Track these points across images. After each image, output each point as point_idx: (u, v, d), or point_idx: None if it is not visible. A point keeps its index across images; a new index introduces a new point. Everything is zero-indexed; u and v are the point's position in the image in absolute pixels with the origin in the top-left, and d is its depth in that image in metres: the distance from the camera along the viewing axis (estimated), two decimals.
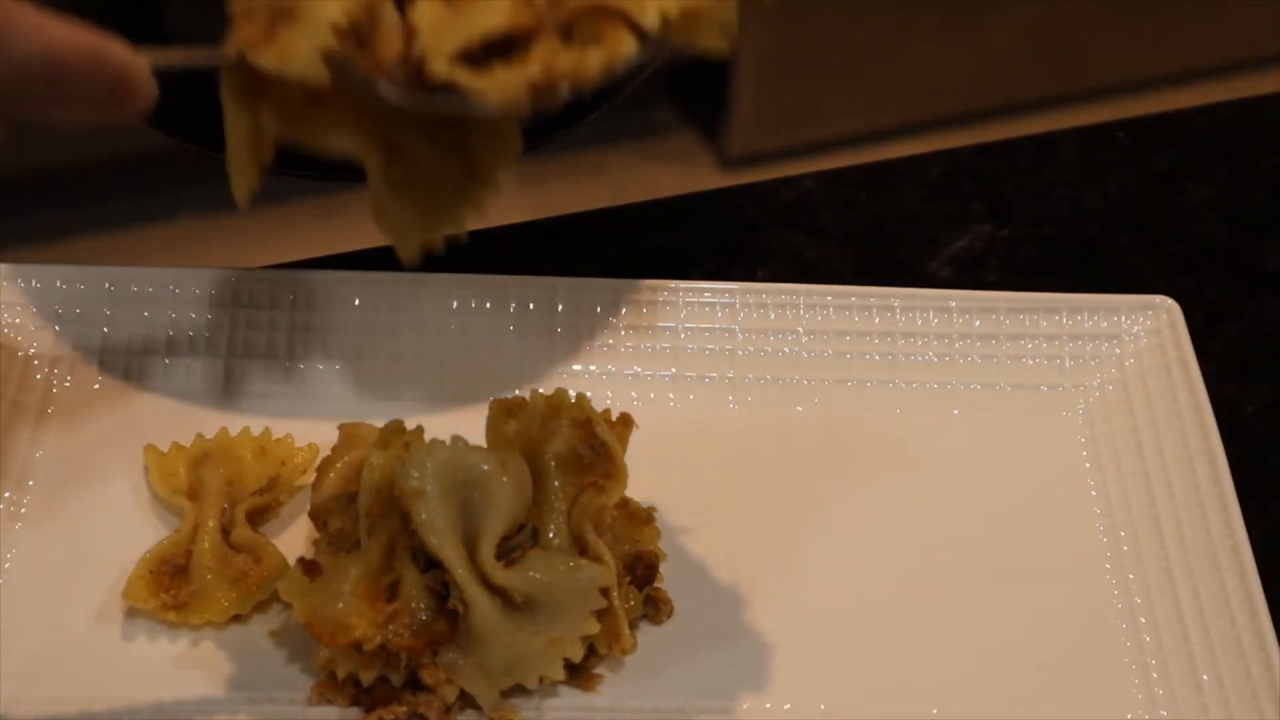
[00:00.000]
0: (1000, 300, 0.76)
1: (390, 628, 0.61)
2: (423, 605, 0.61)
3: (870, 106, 1.80)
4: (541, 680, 0.62)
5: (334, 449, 0.67)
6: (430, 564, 0.62)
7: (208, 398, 0.71)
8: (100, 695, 0.62)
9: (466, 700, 0.62)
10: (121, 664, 0.63)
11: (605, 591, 0.63)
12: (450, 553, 0.61)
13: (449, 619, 0.61)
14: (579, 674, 0.63)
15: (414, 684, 0.62)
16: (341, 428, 0.67)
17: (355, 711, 0.62)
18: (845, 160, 0.89)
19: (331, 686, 0.62)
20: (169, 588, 0.65)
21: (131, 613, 0.65)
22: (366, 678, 0.61)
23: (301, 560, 0.62)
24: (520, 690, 0.62)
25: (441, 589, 0.62)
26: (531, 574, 0.62)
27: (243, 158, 0.61)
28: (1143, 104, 1.81)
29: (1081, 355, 0.75)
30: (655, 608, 0.66)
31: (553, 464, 0.64)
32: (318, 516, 0.65)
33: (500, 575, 0.61)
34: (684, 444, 0.72)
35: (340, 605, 0.61)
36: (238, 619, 0.65)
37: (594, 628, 0.62)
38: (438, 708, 0.61)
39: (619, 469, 0.65)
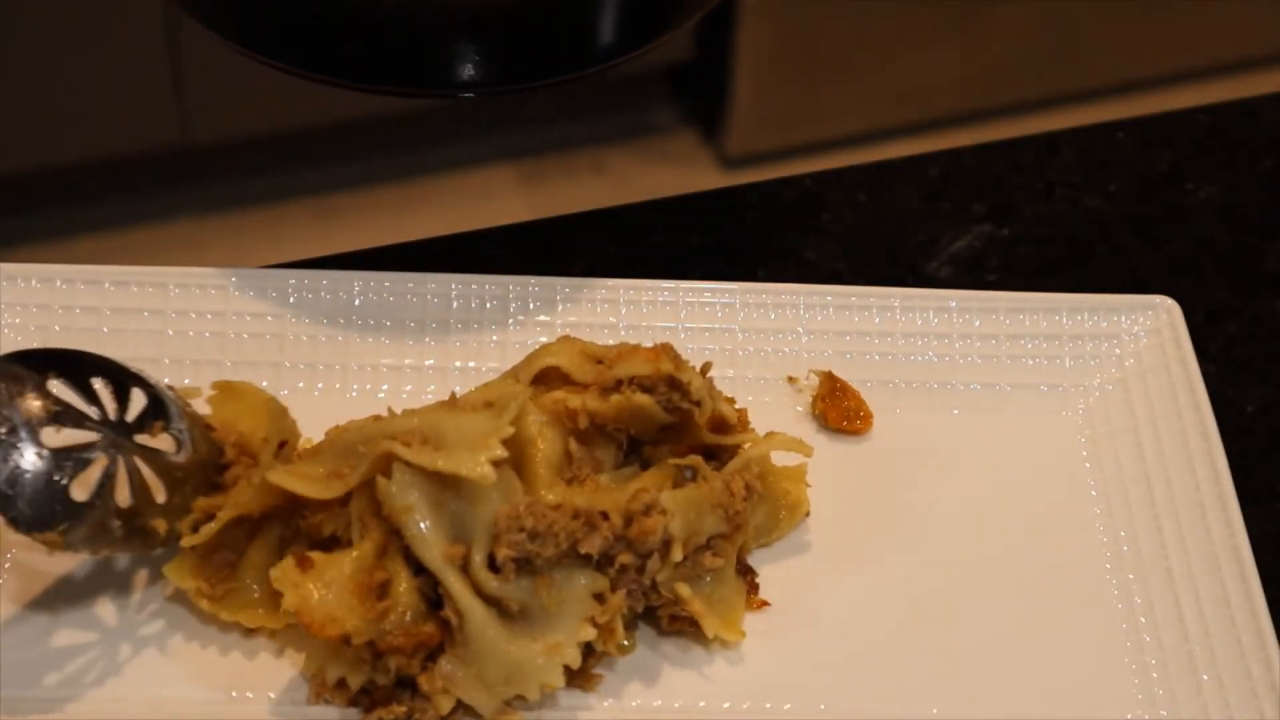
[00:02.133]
0: (1000, 300, 0.76)
1: (379, 626, 0.60)
2: (412, 607, 0.61)
3: (870, 106, 1.80)
4: (543, 690, 0.62)
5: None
6: (423, 568, 0.61)
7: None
8: (99, 695, 0.62)
9: (464, 706, 0.62)
10: (121, 663, 0.63)
11: (599, 596, 0.63)
12: (442, 564, 0.61)
13: (438, 623, 0.61)
14: (579, 674, 0.63)
15: (412, 689, 0.62)
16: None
17: (354, 712, 0.62)
18: (845, 160, 0.89)
19: (329, 687, 0.62)
20: (213, 575, 0.64)
21: (130, 610, 0.65)
22: (354, 681, 0.61)
23: (294, 552, 0.62)
24: (520, 696, 0.62)
25: (433, 594, 0.61)
26: (525, 582, 0.62)
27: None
28: (1143, 104, 1.81)
29: (1081, 355, 0.75)
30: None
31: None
32: (312, 522, 0.65)
33: (494, 585, 0.61)
34: None
35: (332, 598, 0.60)
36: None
37: (590, 634, 0.62)
38: (432, 716, 0.61)
39: None
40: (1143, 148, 0.89)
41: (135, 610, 0.65)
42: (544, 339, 0.73)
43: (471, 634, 0.61)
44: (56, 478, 0.62)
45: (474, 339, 0.74)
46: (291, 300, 0.74)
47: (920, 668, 0.65)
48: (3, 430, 0.61)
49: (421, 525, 0.61)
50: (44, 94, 1.56)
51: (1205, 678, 0.64)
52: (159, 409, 0.66)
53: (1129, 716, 0.64)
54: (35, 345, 0.72)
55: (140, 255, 1.64)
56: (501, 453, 0.61)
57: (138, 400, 0.66)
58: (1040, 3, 1.77)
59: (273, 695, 0.63)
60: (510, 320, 0.75)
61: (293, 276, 0.75)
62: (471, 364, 0.74)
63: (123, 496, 0.64)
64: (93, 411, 0.64)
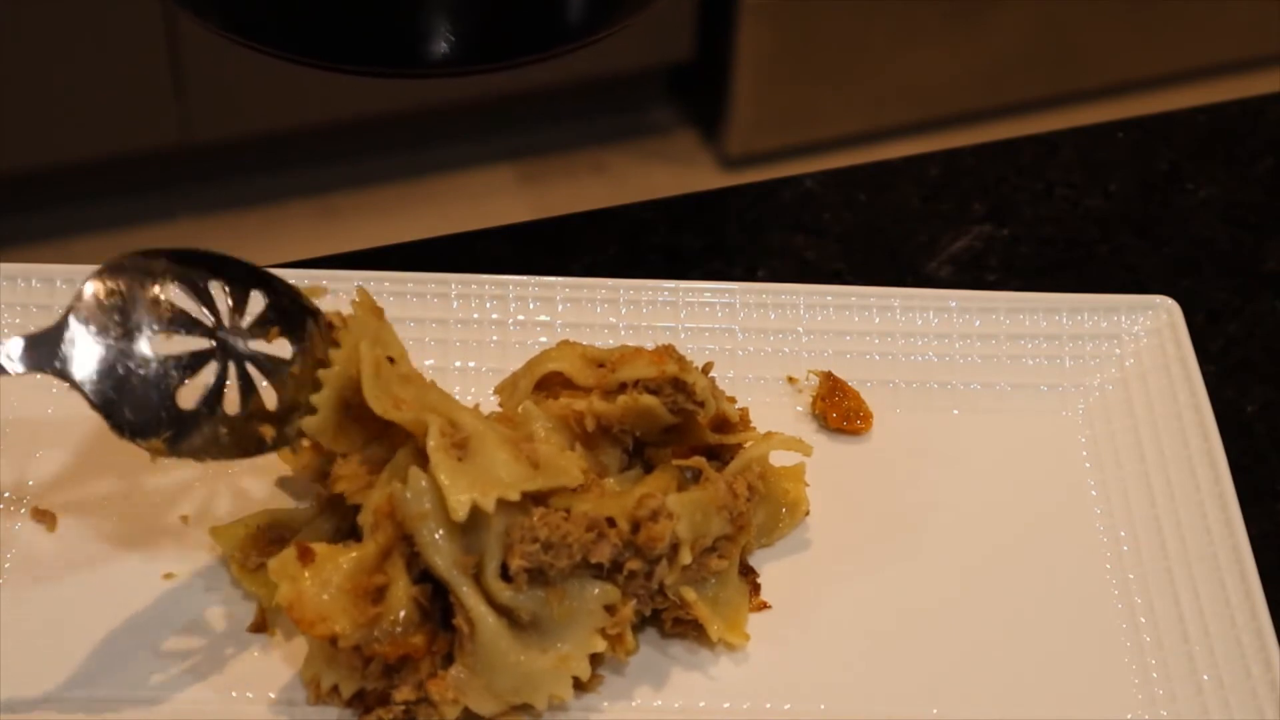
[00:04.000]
0: (1000, 300, 0.76)
1: (369, 631, 0.60)
2: (405, 616, 0.61)
3: (870, 106, 1.80)
4: (551, 701, 0.61)
5: None
6: (423, 576, 0.61)
7: None
8: (100, 695, 0.62)
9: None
10: (121, 664, 0.63)
11: (610, 608, 0.63)
12: (455, 573, 0.60)
13: (428, 636, 0.61)
14: None
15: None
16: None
17: (352, 713, 0.62)
18: (845, 160, 0.89)
19: (324, 691, 0.62)
20: (255, 550, 0.65)
21: (130, 610, 0.65)
22: (345, 689, 0.61)
23: (298, 544, 0.61)
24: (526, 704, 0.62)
25: (429, 604, 0.61)
26: (537, 593, 0.61)
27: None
28: (1143, 104, 1.81)
29: (1081, 355, 0.75)
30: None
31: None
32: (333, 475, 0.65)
33: (506, 595, 0.61)
34: None
35: (326, 597, 0.60)
36: (237, 621, 0.65)
37: (600, 645, 0.62)
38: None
39: None
40: (1143, 148, 0.89)
41: (135, 610, 0.65)
42: (544, 339, 0.73)
43: (483, 643, 0.60)
44: (164, 385, 0.61)
45: (474, 339, 0.74)
46: None
47: (920, 668, 0.65)
48: (114, 335, 0.61)
49: (435, 533, 0.60)
50: (44, 94, 1.56)
51: (1205, 678, 0.64)
52: (281, 313, 0.64)
53: (1129, 716, 0.64)
54: None
55: None
56: (489, 506, 0.60)
57: (256, 303, 0.64)
58: (1040, 3, 1.77)
59: (273, 695, 0.63)
60: (510, 320, 0.75)
61: (293, 276, 0.74)
62: (471, 364, 0.74)
63: (231, 403, 0.63)
64: (207, 316, 0.63)
